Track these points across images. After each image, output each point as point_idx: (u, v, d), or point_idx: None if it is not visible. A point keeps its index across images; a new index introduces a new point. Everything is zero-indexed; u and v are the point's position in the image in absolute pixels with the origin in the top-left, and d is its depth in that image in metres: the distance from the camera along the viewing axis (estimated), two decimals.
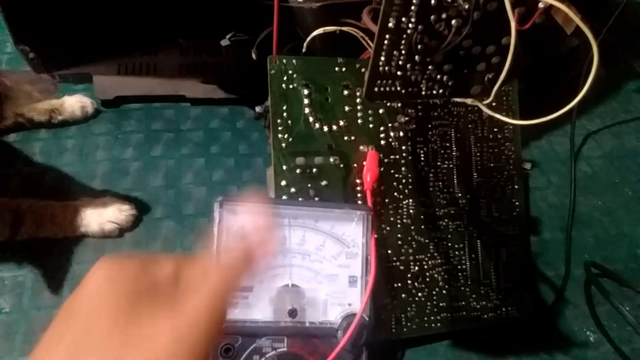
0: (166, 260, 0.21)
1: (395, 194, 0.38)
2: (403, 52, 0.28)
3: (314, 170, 0.36)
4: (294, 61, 0.37)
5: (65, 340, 0.17)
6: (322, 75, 0.37)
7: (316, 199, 0.36)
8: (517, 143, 0.42)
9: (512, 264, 0.41)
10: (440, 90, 0.30)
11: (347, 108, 0.38)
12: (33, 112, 0.48)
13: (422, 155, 0.39)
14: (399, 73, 0.29)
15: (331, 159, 0.37)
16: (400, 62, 0.28)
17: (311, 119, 0.37)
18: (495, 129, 0.42)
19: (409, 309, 0.38)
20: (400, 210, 0.38)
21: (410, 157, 0.39)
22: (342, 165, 0.37)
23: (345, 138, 0.37)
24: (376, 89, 0.29)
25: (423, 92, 0.30)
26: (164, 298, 0.19)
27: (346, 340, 0.30)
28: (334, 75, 0.38)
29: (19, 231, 0.39)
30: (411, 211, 0.38)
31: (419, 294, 0.38)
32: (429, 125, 0.40)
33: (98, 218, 0.41)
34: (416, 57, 0.28)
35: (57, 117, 0.48)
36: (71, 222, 0.40)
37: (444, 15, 0.27)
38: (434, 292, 0.38)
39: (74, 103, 0.49)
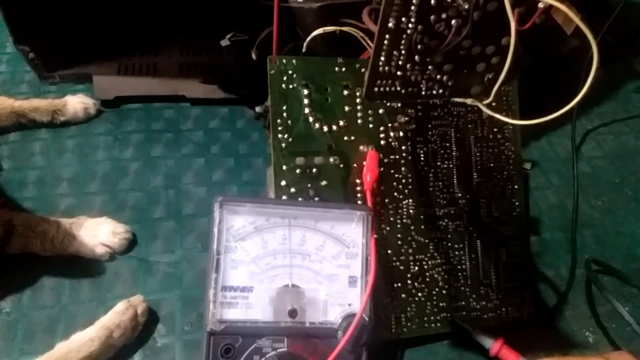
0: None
1: (395, 194, 0.38)
2: (403, 52, 0.28)
3: (314, 170, 0.36)
4: (294, 61, 0.37)
5: None
6: (322, 75, 0.37)
7: (316, 199, 0.36)
8: (517, 143, 0.42)
9: (512, 264, 0.41)
10: (440, 90, 0.30)
11: (347, 108, 0.38)
12: (35, 112, 0.47)
13: (422, 155, 0.39)
14: (399, 73, 0.29)
15: (331, 159, 0.37)
16: (400, 62, 0.28)
17: (311, 119, 0.37)
18: (495, 129, 0.42)
19: (409, 309, 0.38)
20: (400, 210, 0.38)
21: (410, 157, 0.39)
22: (342, 165, 0.37)
23: (345, 138, 0.37)
24: (376, 89, 0.29)
25: (423, 92, 0.30)
26: None
27: (346, 340, 0.30)
28: (334, 75, 0.38)
29: (9, 245, 0.38)
30: (411, 211, 0.38)
31: (419, 294, 0.38)
32: (429, 125, 0.40)
33: (91, 239, 0.39)
34: (416, 57, 0.28)
35: (59, 118, 0.48)
36: (62, 241, 0.39)
37: (444, 15, 0.27)
38: (434, 292, 0.38)
39: (77, 104, 0.49)
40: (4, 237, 0.38)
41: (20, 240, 0.38)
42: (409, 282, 0.38)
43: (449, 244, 0.39)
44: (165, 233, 0.43)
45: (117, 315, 0.35)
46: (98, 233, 0.40)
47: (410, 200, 0.39)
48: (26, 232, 0.39)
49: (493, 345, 0.35)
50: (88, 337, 0.34)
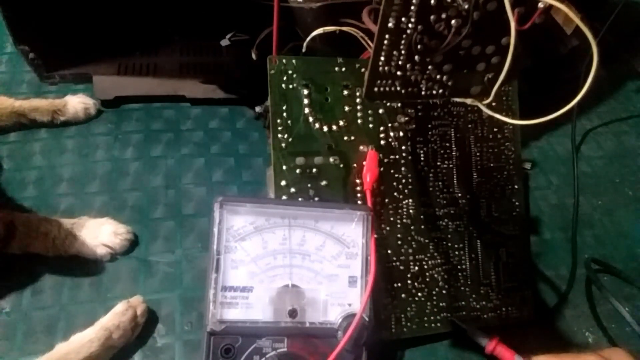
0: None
1: (395, 194, 0.38)
2: (403, 52, 0.28)
3: (314, 170, 0.36)
4: (293, 61, 0.37)
5: None
6: (322, 75, 0.37)
7: (316, 199, 0.36)
8: (517, 143, 0.42)
9: (512, 264, 0.41)
10: (440, 90, 0.30)
11: (347, 108, 0.38)
12: (35, 112, 0.47)
13: (422, 155, 0.39)
14: (398, 73, 0.28)
15: (331, 159, 0.37)
16: (400, 62, 0.28)
17: (311, 119, 0.37)
18: (495, 129, 0.42)
19: (409, 309, 0.38)
20: (400, 210, 0.38)
21: (410, 157, 0.39)
22: (342, 165, 0.37)
23: (345, 138, 0.37)
24: (376, 89, 0.29)
25: (423, 92, 0.30)
26: None
27: (346, 340, 0.30)
28: (334, 75, 0.38)
29: (10, 245, 0.38)
30: (411, 211, 0.38)
31: (419, 294, 0.38)
32: (429, 125, 0.40)
33: (92, 240, 0.39)
34: (416, 57, 0.28)
35: (59, 118, 0.48)
36: (64, 242, 0.39)
37: (443, 15, 0.27)
38: (434, 292, 0.38)
39: (77, 104, 0.49)
40: (5, 237, 0.38)
41: (22, 240, 0.38)
42: (409, 282, 0.38)
43: (449, 244, 0.39)
44: (165, 233, 0.43)
45: (116, 316, 0.35)
46: (100, 234, 0.40)
47: (410, 200, 0.39)
48: (28, 233, 0.39)
49: (488, 343, 0.36)
50: (88, 338, 0.34)
